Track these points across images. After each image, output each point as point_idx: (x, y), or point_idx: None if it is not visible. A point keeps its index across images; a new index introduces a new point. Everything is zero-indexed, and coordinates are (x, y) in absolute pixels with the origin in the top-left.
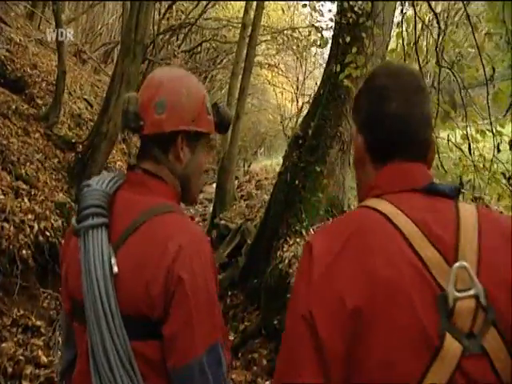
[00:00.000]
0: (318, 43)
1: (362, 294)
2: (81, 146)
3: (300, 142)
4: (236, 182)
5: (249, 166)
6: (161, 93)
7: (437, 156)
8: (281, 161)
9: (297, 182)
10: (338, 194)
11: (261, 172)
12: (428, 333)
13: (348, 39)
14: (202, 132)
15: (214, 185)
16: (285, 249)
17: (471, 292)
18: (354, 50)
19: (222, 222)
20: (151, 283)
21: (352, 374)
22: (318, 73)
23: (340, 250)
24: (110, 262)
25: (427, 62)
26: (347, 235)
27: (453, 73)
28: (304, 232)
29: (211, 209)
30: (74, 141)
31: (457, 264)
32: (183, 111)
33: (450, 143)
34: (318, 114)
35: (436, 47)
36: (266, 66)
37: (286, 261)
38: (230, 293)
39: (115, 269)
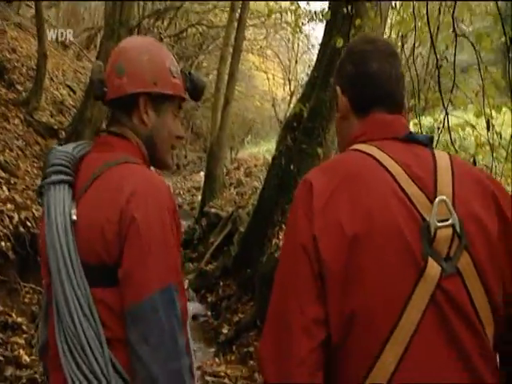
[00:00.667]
0: (318, 17)
1: (359, 223)
2: (64, 133)
3: (295, 124)
4: (224, 169)
5: (236, 154)
6: (122, 57)
7: (448, 135)
8: (269, 148)
9: (292, 166)
10: None
11: (249, 159)
12: (415, 256)
13: (350, 11)
14: (166, 94)
15: (202, 173)
16: (280, 236)
17: (449, 222)
18: (358, 22)
19: (212, 210)
20: (106, 227)
21: (346, 300)
22: (308, 59)
23: (337, 187)
24: (70, 212)
25: (438, 33)
26: (343, 174)
27: (471, 43)
28: None
29: (200, 197)
30: (56, 127)
31: (438, 198)
32: (143, 74)
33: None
34: (313, 95)
35: (452, 13)
36: (254, 51)
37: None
38: (222, 283)
39: (74, 217)
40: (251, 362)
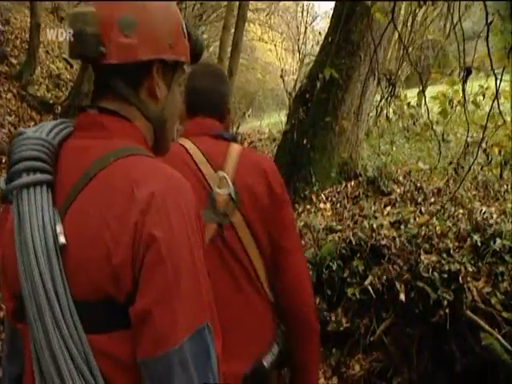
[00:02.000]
0: None
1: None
2: (60, 108)
3: (307, 96)
4: None
5: (238, 128)
6: (125, 6)
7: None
8: (271, 122)
9: (305, 141)
10: (351, 153)
11: (252, 133)
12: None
13: None
14: (179, 61)
15: None
16: (294, 217)
17: (227, 191)
18: None
19: None
20: (113, 248)
21: None
22: (316, 28)
23: None
24: (55, 230)
25: None
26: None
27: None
28: (314, 198)
29: None
30: (52, 102)
31: (220, 174)
32: (159, 33)
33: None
34: (327, 63)
35: None
36: (257, 21)
37: (297, 230)
38: None
39: (61, 239)
40: None
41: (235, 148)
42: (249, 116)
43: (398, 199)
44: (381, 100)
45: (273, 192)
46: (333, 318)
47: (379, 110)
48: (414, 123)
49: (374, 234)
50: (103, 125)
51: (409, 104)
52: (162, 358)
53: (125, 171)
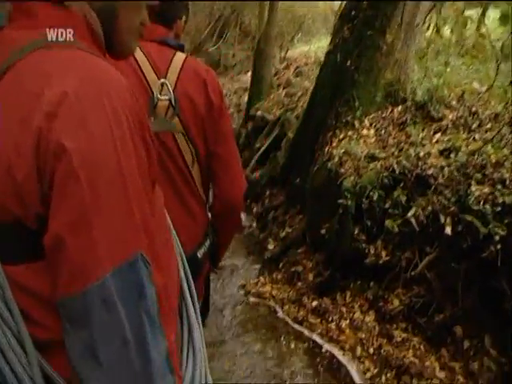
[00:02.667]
0: None
1: None
2: None
3: (353, 13)
4: (272, 69)
5: (285, 53)
6: None
7: None
8: (320, 45)
9: (349, 62)
10: (399, 75)
11: (299, 58)
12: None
13: None
14: None
15: (249, 73)
16: (334, 144)
17: (167, 97)
18: None
19: (259, 112)
20: (15, 159)
21: None
22: None
23: None
24: None
25: None
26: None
27: None
28: (357, 123)
29: (246, 99)
30: None
31: (160, 80)
32: None
33: None
34: None
35: None
36: None
37: (336, 158)
38: (268, 192)
39: None
40: (299, 284)
41: (180, 56)
42: (297, 41)
43: (450, 125)
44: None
45: (211, 103)
46: (372, 251)
47: (432, 25)
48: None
49: (419, 163)
50: (31, 11)
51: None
52: (80, 296)
53: (39, 65)
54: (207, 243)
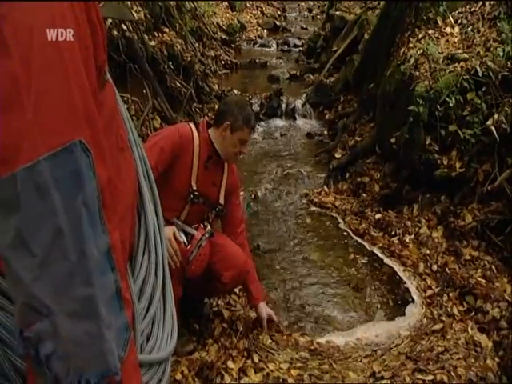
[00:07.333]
0: None
1: None
2: None
3: None
4: None
5: None
6: None
7: None
8: None
9: None
10: None
11: None
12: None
13: None
14: None
15: None
16: (411, 44)
17: None
18: None
19: (338, 12)
20: None
21: None
22: None
23: None
24: None
25: None
26: None
27: None
28: (440, 21)
29: None
30: None
31: None
32: None
33: None
34: None
35: None
36: None
37: (412, 60)
38: (342, 98)
39: None
40: (364, 195)
41: None
42: None
43: None
44: None
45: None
46: (444, 162)
47: None
48: None
49: (509, 64)
50: None
51: None
52: (10, 178)
53: None
54: None
